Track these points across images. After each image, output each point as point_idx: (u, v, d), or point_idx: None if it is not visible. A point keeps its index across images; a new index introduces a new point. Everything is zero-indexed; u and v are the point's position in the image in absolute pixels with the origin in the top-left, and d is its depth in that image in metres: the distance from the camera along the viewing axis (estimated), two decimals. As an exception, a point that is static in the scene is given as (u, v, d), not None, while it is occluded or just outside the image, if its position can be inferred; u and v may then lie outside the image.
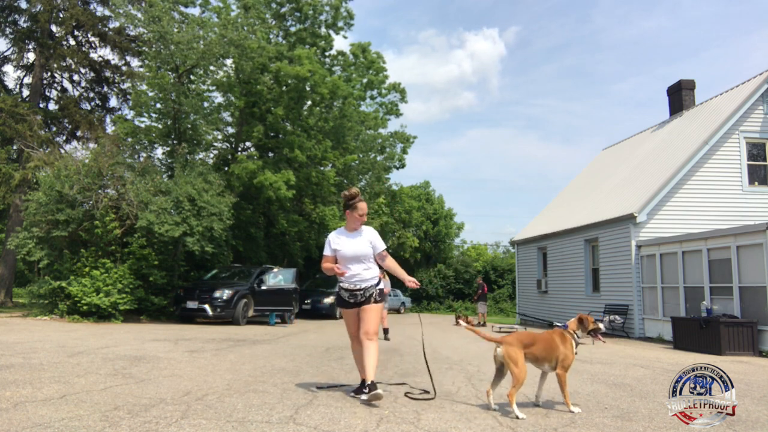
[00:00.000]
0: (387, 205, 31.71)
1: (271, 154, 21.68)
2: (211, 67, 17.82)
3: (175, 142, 17.11)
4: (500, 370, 4.52)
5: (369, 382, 4.60)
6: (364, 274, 4.90)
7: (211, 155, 21.26)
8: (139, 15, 16.50)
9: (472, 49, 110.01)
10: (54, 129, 19.87)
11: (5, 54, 20.26)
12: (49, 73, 20.10)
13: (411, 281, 4.97)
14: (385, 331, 11.70)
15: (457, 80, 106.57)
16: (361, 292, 4.86)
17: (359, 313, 4.89)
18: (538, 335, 4.64)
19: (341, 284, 4.97)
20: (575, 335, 4.62)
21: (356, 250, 4.94)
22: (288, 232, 20.97)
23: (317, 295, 20.06)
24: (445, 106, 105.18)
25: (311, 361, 7.28)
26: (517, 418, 4.12)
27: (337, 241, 4.98)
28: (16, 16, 19.52)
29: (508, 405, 4.35)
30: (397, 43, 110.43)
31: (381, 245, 5.01)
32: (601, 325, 4.71)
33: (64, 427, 3.41)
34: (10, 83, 20.81)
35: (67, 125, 19.86)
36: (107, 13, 19.81)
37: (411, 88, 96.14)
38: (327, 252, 5.06)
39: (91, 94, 21.15)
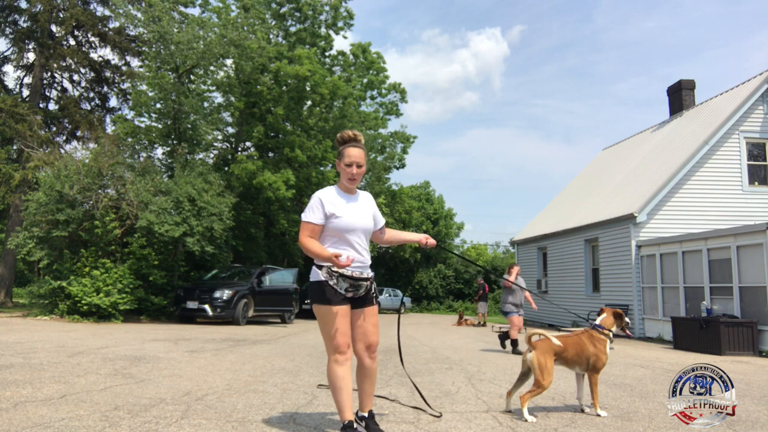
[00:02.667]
0: (387, 205, 31.71)
1: (271, 154, 21.70)
2: (211, 67, 17.82)
3: (175, 142, 17.11)
4: (525, 374, 4.44)
5: (368, 413, 3.48)
6: (366, 257, 3.46)
7: (211, 155, 21.28)
8: (139, 15, 16.51)
9: (474, 50, 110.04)
10: (54, 129, 19.87)
11: (5, 54, 20.27)
12: (49, 73, 20.10)
13: (425, 238, 3.70)
14: (514, 343, 9.61)
15: (459, 80, 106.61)
16: (366, 283, 3.41)
17: (359, 318, 3.44)
18: (569, 339, 4.56)
19: (334, 269, 3.31)
20: (611, 334, 4.54)
21: (363, 221, 3.44)
22: (288, 232, 20.97)
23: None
24: (447, 106, 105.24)
25: (311, 361, 7.28)
26: (526, 421, 4.07)
27: (334, 204, 3.39)
28: (16, 16, 19.52)
29: (501, 405, 4.34)
30: (400, 43, 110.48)
31: (381, 218, 3.69)
32: (627, 319, 4.66)
33: (64, 427, 3.41)
34: (10, 83, 20.84)
35: (67, 125, 19.86)
36: (107, 13, 19.83)
37: (415, 88, 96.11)
38: (314, 218, 3.34)
39: (91, 94, 21.15)
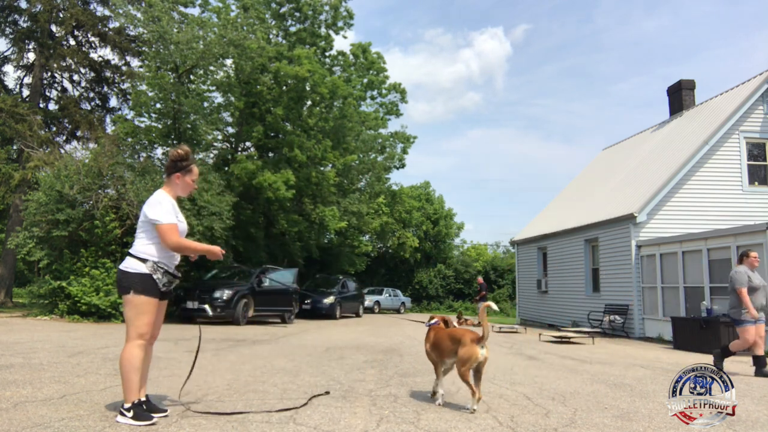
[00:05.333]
0: (387, 205, 31.72)
1: (271, 154, 21.69)
2: (211, 67, 17.81)
3: (175, 142, 17.10)
4: (478, 371, 4.53)
5: (145, 397, 3.81)
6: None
7: (211, 155, 21.26)
8: (139, 15, 16.50)
9: (476, 50, 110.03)
10: (54, 129, 19.86)
11: (5, 54, 20.26)
12: (49, 73, 20.10)
13: None
14: (762, 362, 7.25)
15: (461, 80, 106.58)
16: (177, 281, 3.88)
17: (160, 310, 3.84)
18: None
19: (161, 265, 3.71)
20: None
21: (185, 226, 3.94)
22: (288, 232, 20.97)
23: (317, 295, 20.09)
24: (450, 107, 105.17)
25: (311, 361, 7.28)
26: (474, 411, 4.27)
27: (175, 208, 3.82)
28: (16, 16, 19.51)
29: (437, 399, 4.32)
30: (403, 43, 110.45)
31: None
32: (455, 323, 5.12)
33: (64, 427, 3.41)
34: (10, 83, 20.82)
35: (67, 125, 19.85)
36: (107, 13, 19.82)
37: (417, 88, 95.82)
38: (173, 219, 3.72)
39: (91, 94, 21.14)
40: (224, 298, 13.82)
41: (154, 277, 3.65)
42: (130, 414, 3.55)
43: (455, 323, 5.14)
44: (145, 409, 3.66)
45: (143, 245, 3.72)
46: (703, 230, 13.03)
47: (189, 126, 17.23)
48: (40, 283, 13.86)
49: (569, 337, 12.28)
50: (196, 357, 4.47)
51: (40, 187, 14.23)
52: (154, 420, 3.60)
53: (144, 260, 3.67)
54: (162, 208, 3.69)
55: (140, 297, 3.61)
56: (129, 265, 3.68)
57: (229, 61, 18.23)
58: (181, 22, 17.20)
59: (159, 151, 18.56)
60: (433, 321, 5.09)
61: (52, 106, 20.56)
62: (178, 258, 3.88)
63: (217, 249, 3.87)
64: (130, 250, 3.76)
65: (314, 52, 21.92)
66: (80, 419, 3.63)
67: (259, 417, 3.91)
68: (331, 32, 23.48)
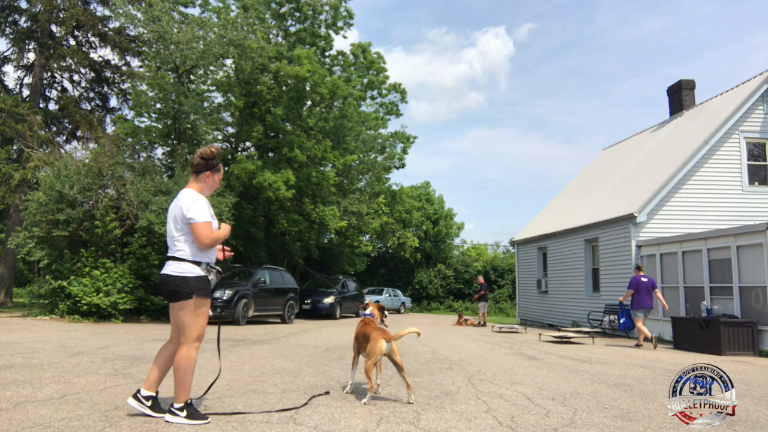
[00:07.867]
0: (387, 205, 31.71)
1: (271, 154, 21.71)
2: (211, 67, 17.82)
3: (175, 142, 17.11)
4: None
5: (190, 401, 3.71)
6: None
7: (211, 155, 21.25)
8: (139, 15, 16.51)
9: (478, 50, 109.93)
10: (54, 129, 19.88)
11: (5, 54, 20.28)
12: (49, 73, 20.10)
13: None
14: None
15: (462, 80, 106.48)
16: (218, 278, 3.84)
17: None
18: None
19: (212, 265, 3.73)
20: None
21: (217, 223, 3.90)
22: (288, 232, 20.98)
23: (317, 295, 20.09)
24: (451, 107, 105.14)
25: (311, 361, 7.28)
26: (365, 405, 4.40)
27: (209, 207, 3.79)
28: (16, 16, 19.53)
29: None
30: (406, 42, 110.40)
31: None
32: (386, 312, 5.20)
33: (64, 427, 3.41)
34: (10, 83, 20.86)
35: (67, 125, 19.87)
36: (107, 13, 19.84)
37: (420, 88, 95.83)
38: (208, 217, 3.65)
39: (91, 94, 21.15)
40: (224, 298, 13.82)
41: (209, 278, 3.65)
42: (184, 414, 3.56)
43: (386, 312, 5.18)
44: (196, 409, 3.65)
45: (190, 247, 3.62)
46: (703, 230, 13.03)
47: (189, 126, 17.23)
48: (40, 283, 13.87)
49: (569, 337, 12.29)
50: (219, 357, 4.75)
51: (40, 187, 14.24)
52: (209, 419, 3.60)
53: (198, 263, 3.61)
54: (197, 206, 3.61)
55: (201, 300, 3.59)
56: (185, 269, 3.59)
57: (229, 61, 18.24)
58: (181, 22, 17.21)
59: (159, 151, 18.60)
60: (366, 311, 5.05)
61: (52, 106, 20.58)
62: (215, 253, 3.86)
63: (226, 229, 3.82)
64: (177, 254, 3.61)
65: (314, 52, 21.93)
66: (80, 419, 3.63)
67: (259, 417, 3.91)
68: (331, 32, 23.51)
